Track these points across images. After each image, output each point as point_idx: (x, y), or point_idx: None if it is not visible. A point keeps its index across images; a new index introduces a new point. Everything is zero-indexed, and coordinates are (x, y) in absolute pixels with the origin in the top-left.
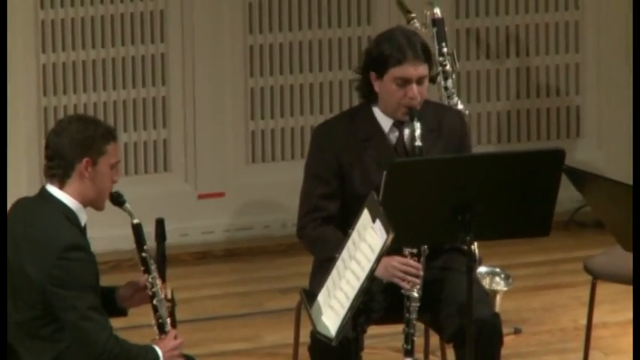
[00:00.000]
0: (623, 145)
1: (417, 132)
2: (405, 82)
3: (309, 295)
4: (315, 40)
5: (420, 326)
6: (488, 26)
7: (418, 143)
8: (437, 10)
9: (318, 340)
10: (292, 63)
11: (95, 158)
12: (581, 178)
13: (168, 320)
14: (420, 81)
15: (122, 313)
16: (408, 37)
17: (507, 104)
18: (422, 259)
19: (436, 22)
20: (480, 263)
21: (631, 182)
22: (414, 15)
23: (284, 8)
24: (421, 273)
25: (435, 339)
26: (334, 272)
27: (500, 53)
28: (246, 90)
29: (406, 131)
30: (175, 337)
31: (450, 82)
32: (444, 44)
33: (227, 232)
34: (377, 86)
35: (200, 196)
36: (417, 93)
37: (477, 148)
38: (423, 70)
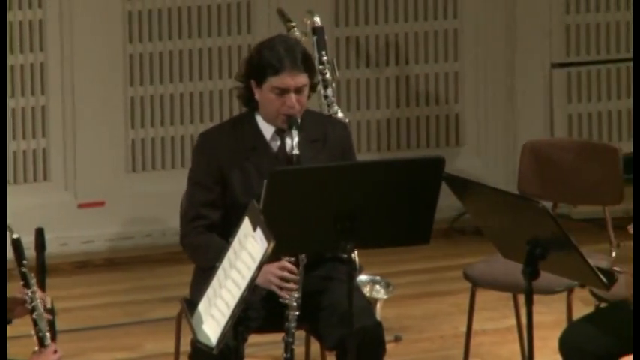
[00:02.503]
0: (501, 153)
1: (295, 140)
2: (283, 91)
3: (190, 304)
4: (195, 49)
5: (301, 334)
6: (368, 34)
7: (295, 152)
8: (317, 19)
9: (199, 349)
10: (172, 72)
11: None
12: (461, 186)
13: (48, 334)
14: (298, 90)
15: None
16: (287, 46)
17: (387, 112)
18: (300, 267)
19: (316, 31)
20: (361, 271)
21: (509, 189)
22: (294, 24)
23: (164, 17)
24: (298, 278)
25: (315, 347)
26: (215, 281)
27: (380, 61)
28: (126, 99)
29: (288, 140)
30: (55, 352)
31: (330, 91)
32: (324, 53)
33: (108, 241)
34: (257, 94)
35: (80, 206)
36: (295, 102)
37: (358, 157)
38: (301, 79)
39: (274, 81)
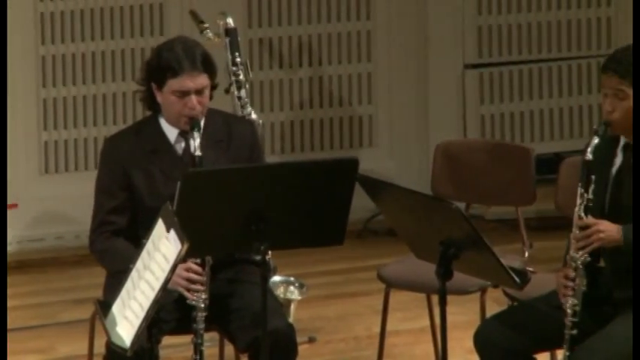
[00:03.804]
0: (413, 154)
1: (197, 142)
2: (183, 93)
3: (104, 306)
4: (108, 51)
5: (215, 336)
6: (281, 36)
7: (198, 153)
8: (230, 20)
9: (113, 351)
10: (85, 73)
11: None
12: (375, 187)
13: None
14: (199, 91)
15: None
16: (186, 48)
17: (301, 114)
18: (206, 268)
19: (229, 32)
20: (275, 272)
21: (422, 190)
22: (206, 25)
23: (76, 19)
24: (204, 279)
25: (229, 349)
26: (129, 283)
27: (293, 63)
28: (39, 100)
29: (192, 141)
30: None
31: (243, 92)
32: (237, 54)
33: (20, 243)
34: (158, 97)
35: None
36: (196, 104)
37: (272, 158)
38: (201, 80)
39: (174, 83)
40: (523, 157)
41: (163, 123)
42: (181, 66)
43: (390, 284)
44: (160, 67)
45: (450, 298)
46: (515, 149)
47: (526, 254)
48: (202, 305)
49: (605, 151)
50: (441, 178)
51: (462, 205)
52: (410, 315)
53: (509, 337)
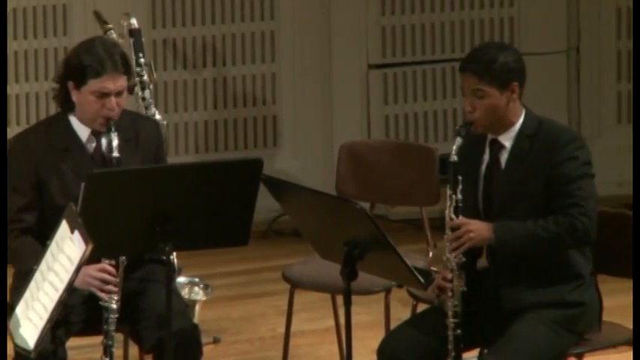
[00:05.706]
0: (317, 154)
1: (115, 143)
2: (103, 94)
3: (10, 308)
4: (11, 52)
5: (119, 337)
6: (184, 36)
7: (115, 154)
8: (133, 21)
9: (18, 353)
10: None
11: None
12: (279, 188)
13: None
14: (118, 93)
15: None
16: (107, 49)
17: (205, 114)
18: (120, 269)
19: (133, 33)
20: (180, 273)
21: (326, 190)
22: (110, 25)
23: None
24: (118, 280)
25: (134, 349)
26: (32, 284)
27: (197, 63)
28: None
29: (104, 141)
30: None
31: (147, 93)
32: (141, 55)
33: None
34: (75, 96)
35: None
36: (115, 105)
37: (176, 159)
38: (122, 82)
39: (95, 84)
40: (427, 157)
41: (74, 121)
42: (104, 67)
43: (295, 284)
44: (81, 67)
45: (354, 298)
46: (419, 149)
47: (430, 254)
48: (114, 307)
49: (473, 149)
50: (346, 179)
51: (366, 205)
52: (315, 315)
53: (414, 346)
